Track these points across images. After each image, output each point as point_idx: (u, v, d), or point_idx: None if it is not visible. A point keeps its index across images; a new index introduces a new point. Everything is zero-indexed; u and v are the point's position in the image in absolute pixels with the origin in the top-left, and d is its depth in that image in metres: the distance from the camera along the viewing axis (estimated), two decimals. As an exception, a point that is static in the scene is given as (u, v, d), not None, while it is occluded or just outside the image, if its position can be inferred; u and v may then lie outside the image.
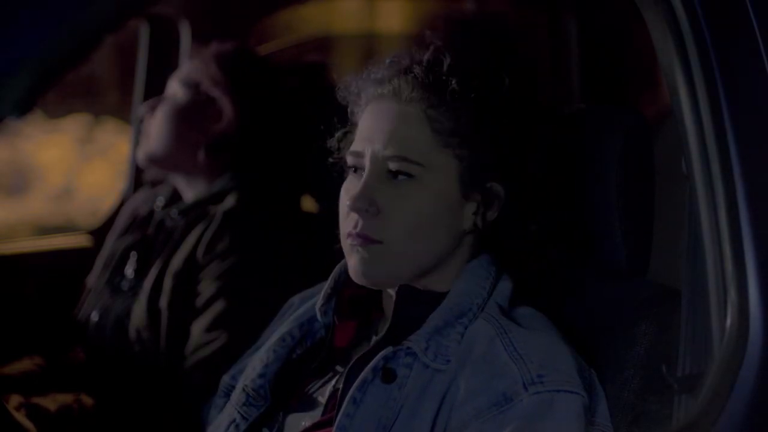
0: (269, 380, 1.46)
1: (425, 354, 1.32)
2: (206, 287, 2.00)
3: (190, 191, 2.18)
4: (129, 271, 2.15)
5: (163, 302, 2.01)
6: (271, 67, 2.26)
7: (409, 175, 1.35)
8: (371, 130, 1.37)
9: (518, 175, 1.36)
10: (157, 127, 2.15)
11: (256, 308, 1.85)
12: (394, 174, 1.35)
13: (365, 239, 1.34)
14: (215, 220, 2.05)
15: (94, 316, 2.12)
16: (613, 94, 2.86)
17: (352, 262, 1.36)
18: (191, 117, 2.14)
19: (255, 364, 1.49)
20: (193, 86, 2.15)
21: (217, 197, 2.13)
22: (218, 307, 1.98)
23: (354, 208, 1.34)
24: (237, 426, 1.44)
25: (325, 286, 1.45)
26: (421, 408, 1.30)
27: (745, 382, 1.20)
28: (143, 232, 2.19)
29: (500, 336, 1.32)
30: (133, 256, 2.15)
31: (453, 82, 1.35)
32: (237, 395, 1.48)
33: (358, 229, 1.34)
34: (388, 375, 1.32)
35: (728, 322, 1.20)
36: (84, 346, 2.14)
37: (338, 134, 1.47)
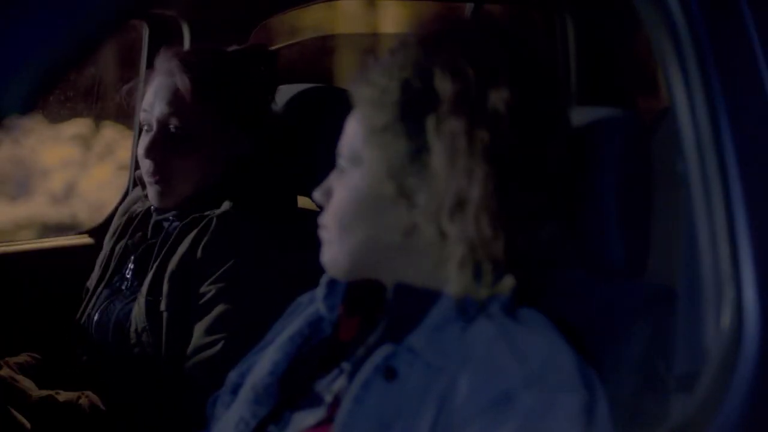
0: (277, 378, 1.46)
1: (426, 351, 1.33)
2: (206, 289, 2.00)
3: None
4: (127, 272, 2.14)
5: (162, 304, 2.01)
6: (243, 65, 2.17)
7: (342, 168, 1.40)
8: None
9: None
10: (163, 165, 2.08)
11: (256, 310, 1.85)
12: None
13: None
14: (213, 222, 2.04)
15: (95, 317, 2.12)
16: (610, 95, 2.86)
17: None
18: (201, 148, 2.10)
19: (263, 363, 1.49)
20: (184, 111, 2.07)
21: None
22: (219, 309, 1.98)
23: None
24: (246, 424, 1.44)
25: (325, 275, 1.47)
26: (423, 406, 1.30)
27: (741, 381, 1.21)
28: (140, 234, 2.18)
29: (502, 335, 1.32)
30: (131, 258, 2.15)
31: (382, 78, 1.34)
32: (245, 393, 1.48)
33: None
34: (389, 373, 1.33)
35: (724, 320, 1.21)
36: (85, 347, 2.14)
37: None
